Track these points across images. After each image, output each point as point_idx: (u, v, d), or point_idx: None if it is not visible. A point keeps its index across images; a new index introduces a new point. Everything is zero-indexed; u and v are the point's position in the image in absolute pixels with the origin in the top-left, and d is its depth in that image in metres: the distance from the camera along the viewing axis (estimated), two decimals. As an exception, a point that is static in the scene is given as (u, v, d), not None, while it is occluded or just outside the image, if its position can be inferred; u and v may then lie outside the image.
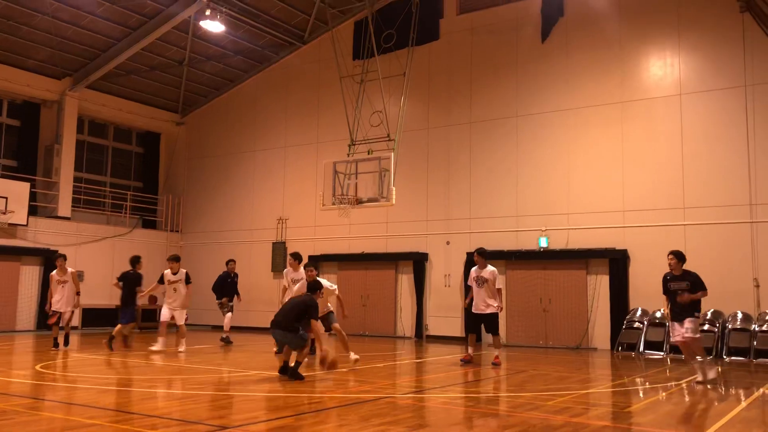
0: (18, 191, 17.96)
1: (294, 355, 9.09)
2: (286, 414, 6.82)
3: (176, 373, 9.80)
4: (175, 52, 20.26)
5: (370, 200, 15.56)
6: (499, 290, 11.36)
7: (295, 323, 8.89)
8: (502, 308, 11.45)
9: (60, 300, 12.78)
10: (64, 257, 13.18)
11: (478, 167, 17.53)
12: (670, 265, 9.39)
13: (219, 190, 22.37)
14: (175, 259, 12.80)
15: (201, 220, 22.63)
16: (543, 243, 16.30)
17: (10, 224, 17.69)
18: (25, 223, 18.11)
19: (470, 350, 11.80)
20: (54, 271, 12.98)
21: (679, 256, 9.37)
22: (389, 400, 7.62)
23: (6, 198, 17.49)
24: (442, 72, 18.44)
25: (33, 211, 18.63)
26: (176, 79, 21.58)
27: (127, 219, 21.59)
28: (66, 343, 13.09)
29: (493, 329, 11.37)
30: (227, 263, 15.36)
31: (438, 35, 18.50)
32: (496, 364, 11.28)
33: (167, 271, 12.68)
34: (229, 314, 14.94)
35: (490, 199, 17.24)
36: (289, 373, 8.92)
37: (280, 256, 20.28)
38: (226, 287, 14.98)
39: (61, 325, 12.91)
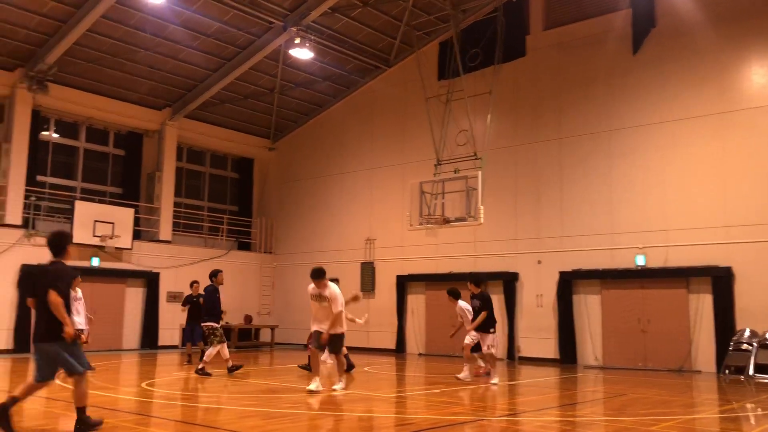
0: (123, 217, 19.02)
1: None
2: (381, 435, 6.85)
3: (271, 392, 10.03)
4: (267, 81, 21.01)
5: (457, 219, 15.50)
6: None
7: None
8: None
9: (80, 318, 12.90)
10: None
11: (569, 184, 17.14)
12: None
13: (309, 211, 22.90)
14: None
15: (292, 241, 23.20)
16: (640, 261, 15.69)
17: (116, 248, 18.72)
18: (129, 247, 19.13)
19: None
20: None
21: None
22: (483, 423, 7.51)
23: (113, 223, 18.55)
24: (529, 88, 18.22)
25: (137, 235, 19.65)
26: (268, 107, 22.35)
27: (224, 241, 22.43)
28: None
29: None
30: (214, 275, 13.05)
31: (524, 51, 18.31)
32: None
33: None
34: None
35: (582, 217, 16.79)
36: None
37: (369, 276, 20.49)
38: (218, 304, 12.70)
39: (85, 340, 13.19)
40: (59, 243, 6.52)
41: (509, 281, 17.67)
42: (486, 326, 11.50)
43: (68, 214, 18.13)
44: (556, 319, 16.82)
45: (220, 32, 18.39)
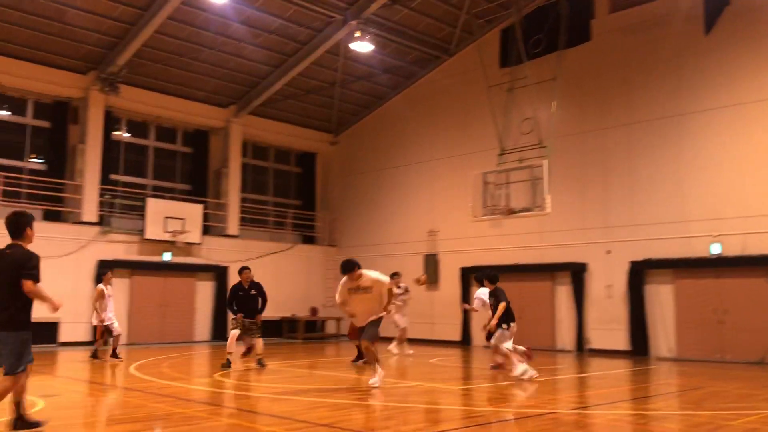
0: (192, 213, 19.57)
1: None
2: (451, 426, 6.82)
3: (339, 383, 10.11)
4: (328, 75, 21.15)
5: (523, 210, 15.25)
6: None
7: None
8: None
9: (112, 314, 13.42)
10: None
11: (638, 170, 16.61)
12: None
13: (371, 204, 22.99)
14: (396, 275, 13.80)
15: (355, 234, 23.35)
16: (715, 250, 15.07)
17: (186, 243, 19.27)
18: (199, 242, 19.65)
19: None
20: (101, 285, 13.40)
21: None
22: (553, 416, 7.37)
23: (183, 219, 19.11)
24: (595, 73, 17.72)
25: (206, 230, 20.17)
26: (329, 101, 22.52)
27: (289, 235, 22.77)
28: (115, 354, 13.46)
29: None
30: (239, 272, 12.52)
31: (589, 36, 17.81)
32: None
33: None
34: (234, 332, 11.99)
35: (653, 204, 16.24)
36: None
37: (432, 269, 20.42)
38: (238, 301, 12.11)
39: (115, 334, 13.54)
40: (17, 224, 5.99)
41: (577, 272, 17.29)
42: (500, 321, 10.81)
43: (141, 211, 18.76)
44: (627, 310, 16.36)
45: (281, 29, 18.61)
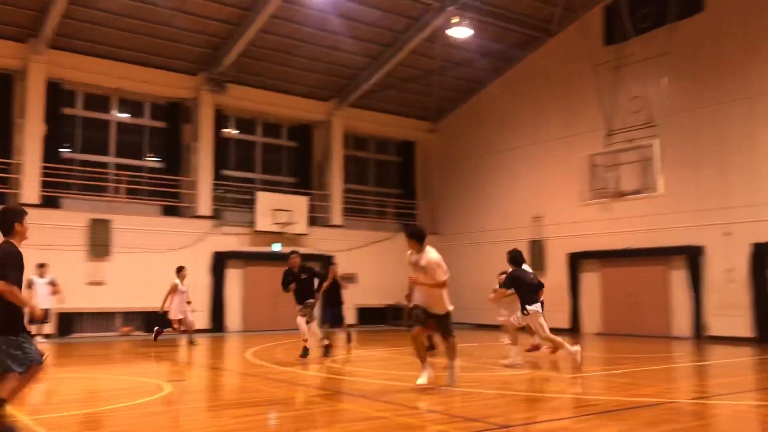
0: (298, 204, 20.19)
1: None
2: (564, 416, 6.70)
3: (447, 370, 10.12)
4: (425, 63, 21.10)
5: (633, 192, 14.66)
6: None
7: None
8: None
9: (176, 308, 13.93)
10: (185, 268, 14.28)
11: (760, 146, 15.54)
12: None
13: (473, 191, 22.80)
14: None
15: (457, 221, 23.26)
16: None
17: (294, 234, 19.90)
18: (306, 232, 20.25)
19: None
20: (177, 281, 14.12)
21: None
22: (672, 405, 7.08)
23: (290, 211, 19.76)
24: (711, 45, 16.68)
25: (312, 221, 20.74)
26: (427, 89, 22.46)
27: (390, 224, 23.01)
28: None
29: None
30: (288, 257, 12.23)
31: (702, 6, 16.78)
32: None
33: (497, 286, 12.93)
34: (300, 319, 11.70)
35: (777, 182, 15.17)
36: None
37: (538, 255, 20.01)
38: (294, 285, 11.83)
39: (183, 328, 14.08)
40: (4, 220, 5.52)
41: (693, 256, 16.44)
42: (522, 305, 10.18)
43: (251, 204, 19.55)
44: (750, 295, 15.41)
45: (378, 20, 18.75)
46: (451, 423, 6.03)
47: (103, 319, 16.53)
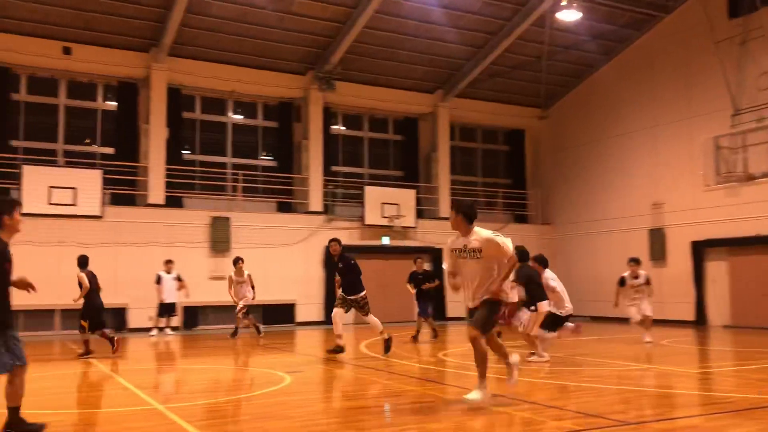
0: (406, 198, 20.31)
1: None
2: (693, 413, 6.33)
3: (563, 364, 9.86)
4: (533, 49, 20.56)
5: (764, 175, 13.63)
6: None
7: None
8: None
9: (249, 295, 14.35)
10: (242, 260, 14.54)
11: None
12: None
13: (585, 179, 22.02)
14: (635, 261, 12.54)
15: (570, 211, 22.56)
16: None
17: (402, 227, 20.03)
18: (414, 225, 20.33)
19: None
20: (232, 273, 14.47)
21: None
22: (820, 405, 6.50)
23: (398, 204, 19.90)
24: None
25: (420, 214, 20.79)
26: (535, 75, 21.91)
27: (500, 215, 22.65)
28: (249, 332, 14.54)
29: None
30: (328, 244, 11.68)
31: (840, -32, 15.34)
32: None
33: (626, 274, 12.50)
34: (336, 310, 11.06)
35: None
36: None
37: (658, 243, 19.05)
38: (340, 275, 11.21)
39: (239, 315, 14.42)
40: None
41: (835, 242, 15.09)
42: (527, 302, 9.66)
43: (359, 199, 19.86)
44: None
45: (483, 8, 18.47)
46: (571, 419, 5.84)
47: (224, 312, 17.35)
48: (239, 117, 20.21)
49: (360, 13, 17.65)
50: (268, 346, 13.22)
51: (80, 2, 16.32)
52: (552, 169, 23.41)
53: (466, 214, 6.58)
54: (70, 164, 17.43)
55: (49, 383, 8.65)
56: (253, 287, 14.64)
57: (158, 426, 5.89)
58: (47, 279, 15.36)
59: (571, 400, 6.90)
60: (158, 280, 15.53)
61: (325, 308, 18.97)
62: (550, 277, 10.20)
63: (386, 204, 19.82)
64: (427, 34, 19.27)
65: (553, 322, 10.07)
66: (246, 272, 14.55)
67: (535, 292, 9.79)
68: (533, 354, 9.84)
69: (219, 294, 17.11)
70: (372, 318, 10.94)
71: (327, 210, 19.77)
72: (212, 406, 6.89)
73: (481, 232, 6.56)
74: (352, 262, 10.92)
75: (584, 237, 21.67)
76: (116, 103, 18.32)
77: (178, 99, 18.57)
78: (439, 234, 20.91)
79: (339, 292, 11.05)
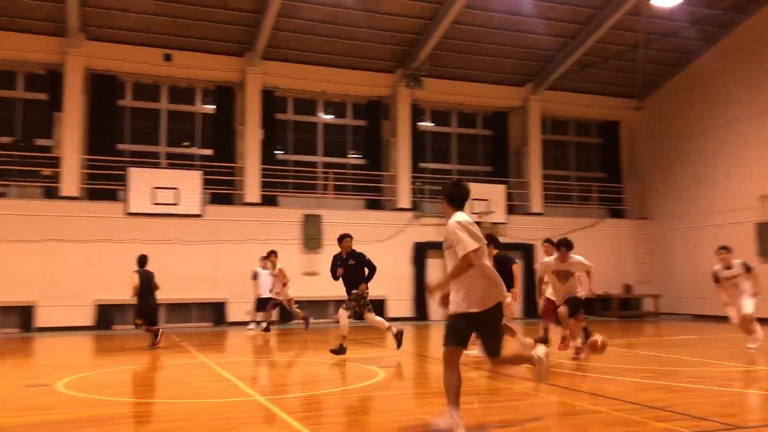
0: (495, 193, 20.07)
1: None
2: (812, 419, 5.94)
3: (668, 364, 9.48)
4: (627, 38, 19.83)
5: None
6: None
7: None
8: None
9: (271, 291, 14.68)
10: (276, 253, 14.67)
11: None
12: None
13: (685, 171, 21.03)
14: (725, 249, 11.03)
15: (669, 204, 21.62)
16: None
17: (492, 223, 19.80)
18: (504, 221, 20.06)
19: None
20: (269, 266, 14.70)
21: None
22: None
23: (487, 200, 19.70)
24: None
25: (510, 209, 20.49)
26: (631, 65, 21.12)
27: (594, 210, 22.00)
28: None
29: None
30: (338, 240, 11.05)
31: None
32: None
33: (717, 267, 11.09)
34: (342, 311, 10.39)
35: None
36: None
37: (767, 239, 17.95)
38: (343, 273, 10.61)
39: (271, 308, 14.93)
40: None
41: None
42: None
43: (448, 195, 19.76)
44: None
45: (574, -3, 17.99)
46: (677, 420, 5.61)
47: (318, 307, 17.74)
48: (329, 116, 20.58)
49: (447, 9, 17.57)
50: (359, 341, 13.41)
51: (179, 10, 17.10)
52: (649, 161, 22.51)
53: (448, 197, 5.47)
54: (172, 166, 18.32)
55: (151, 375, 9.14)
56: (284, 284, 14.93)
57: (259, 417, 6.10)
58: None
59: (674, 401, 6.63)
60: (255, 276, 16.04)
61: (415, 304, 19.06)
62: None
63: (475, 200, 19.65)
64: (516, 27, 18.96)
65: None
66: (278, 266, 14.89)
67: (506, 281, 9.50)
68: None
69: (312, 289, 17.50)
70: (373, 316, 10.45)
71: (415, 207, 19.83)
72: (309, 399, 7.07)
73: (452, 219, 5.29)
74: (366, 258, 10.57)
75: (684, 232, 20.73)
76: (214, 107, 19.08)
77: (271, 101, 19.12)
78: (530, 230, 20.57)
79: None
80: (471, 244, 5.00)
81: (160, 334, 11.99)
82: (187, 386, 8.09)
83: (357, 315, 10.62)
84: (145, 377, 9.00)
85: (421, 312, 19.07)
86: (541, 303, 10.71)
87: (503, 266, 9.55)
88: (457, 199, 5.41)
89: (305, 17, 17.68)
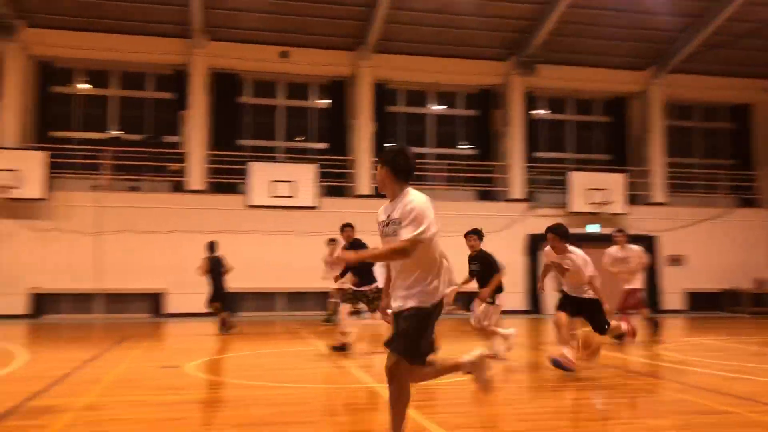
0: (614, 183, 19.24)
1: None
2: None
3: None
4: (764, 13, 18.33)
5: None
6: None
7: None
8: None
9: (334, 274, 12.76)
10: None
11: None
12: None
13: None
14: None
15: (810, 193, 19.90)
16: None
17: (612, 214, 19.04)
18: (624, 212, 19.21)
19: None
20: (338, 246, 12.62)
21: None
22: None
23: (606, 190, 18.94)
24: None
25: (631, 199, 19.59)
26: (764, 42, 19.56)
27: (723, 199, 20.62)
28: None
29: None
30: (341, 230, 10.25)
31: None
32: None
33: None
34: (343, 306, 9.85)
35: None
36: None
37: None
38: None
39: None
40: None
41: None
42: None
43: (563, 185, 19.20)
44: None
45: (701, -28, 16.88)
46: (819, 426, 5.16)
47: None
48: (440, 107, 20.52)
49: (562, -7, 17.03)
50: (469, 332, 13.31)
51: (294, 8, 17.60)
52: (787, 146, 20.82)
53: (395, 168, 4.59)
54: (289, 159, 18.95)
55: (269, 360, 9.51)
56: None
57: (374, 404, 6.20)
58: (272, 265, 16.92)
59: (817, 406, 6.10)
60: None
61: (528, 297, 18.69)
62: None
63: (593, 190, 18.96)
64: (635, 8, 18.05)
65: None
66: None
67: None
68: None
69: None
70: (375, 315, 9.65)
71: (529, 197, 19.40)
72: (425, 388, 7.10)
73: (412, 196, 4.58)
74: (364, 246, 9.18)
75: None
76: (328, 101, 19.52)
77: (383, 94, 19.31)
78: (653, 220, 19.62)
79: (343, 284, 9.79)
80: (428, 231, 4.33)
81: (226, 320, 12.49)
82: (306, 372, 8.35)
83: (355, 312, 10.17)
84: (265, 362, 9.39)
85: (534, 305, 18.66)
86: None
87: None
88: (406, 171, 4.61)
89: (416, 8, 17.70)
